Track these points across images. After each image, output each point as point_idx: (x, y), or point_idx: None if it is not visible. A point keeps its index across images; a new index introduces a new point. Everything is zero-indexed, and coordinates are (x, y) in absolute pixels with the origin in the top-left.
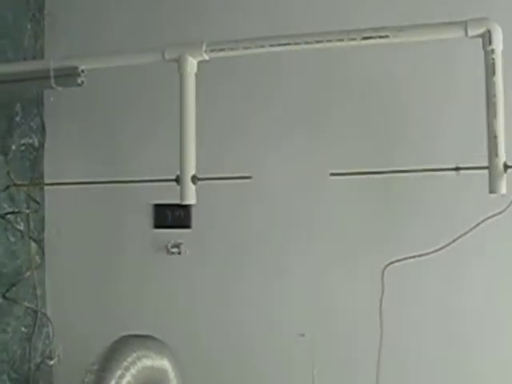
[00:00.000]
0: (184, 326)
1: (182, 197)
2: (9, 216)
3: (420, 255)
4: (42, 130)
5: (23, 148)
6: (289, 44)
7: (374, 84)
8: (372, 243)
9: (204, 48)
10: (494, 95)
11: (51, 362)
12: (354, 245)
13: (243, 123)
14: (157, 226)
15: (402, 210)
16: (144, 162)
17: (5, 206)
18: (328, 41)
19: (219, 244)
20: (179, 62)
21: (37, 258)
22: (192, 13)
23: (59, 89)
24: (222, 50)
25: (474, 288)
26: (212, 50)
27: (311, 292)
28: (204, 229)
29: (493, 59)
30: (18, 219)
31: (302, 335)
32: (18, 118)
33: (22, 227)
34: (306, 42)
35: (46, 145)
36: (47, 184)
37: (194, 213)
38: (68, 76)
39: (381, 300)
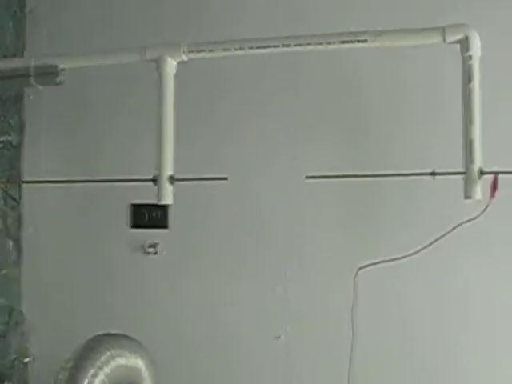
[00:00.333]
0: (160, 325)
1: (159, 197)
2: None
3: (394, 259)
4: (21, 127)
5: (1, 145)
6: (268, 47)
7: (352, 88)
8: (347, 246)
9: (183, 49)
10: (471, 101)
11: (26, 360)
12: (328, 247)
13: (221, 125)
14: (134, 226)
15: (378, 214)
16: (123, 162)
17: None
18: (307, 44)
19: (196, 244)
20: (158, 63)
21: (13, 255)
22: (174, 13)
23: (39, 87)
24: (201, 51)
25: (449, 291)
26: (191, 51)
27: (286, 294)
28: (181, 229)
29: (470, 65)
30: None
31: (278, 338)
32: None
33: None
34: (286, 45)
35: (24, 143)
36: (25, 182)
37: (171, 213)
38: (48, 74)
39: (353, 303)
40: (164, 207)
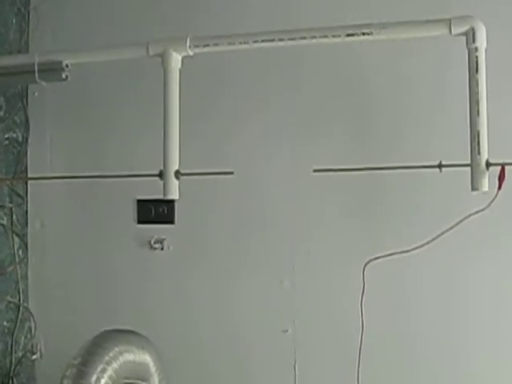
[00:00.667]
0: (167, 320)
1: (165, 192)
2: None
3: (402, 252)
4: (26, 124)
5: (7, 142)
6: (273, 40)
7: (357, 81)
8: (354, 240)
9: (188, 43)
10: (477, 93)
11: (33, 357)
12: (336, 241)
13: (226, 120)
14: (140, 222)
15: (385, 207)
16: (128, 157)
17: None
18: (312, 37)
19: (202, 240)
20: (163, 57)
21: (20, 252)
22: (178, 7)
23: (43, 83)
24: (206, 45)
25: (457, 284)
26: (196, 46)
27: (294, 288)
28: (187, 224)
29: (476, 57)
30: (1, 213)
31: (285, 331)
32: (1, 113)
33: (5, 221)
34: (291, 38)
35: (29, 139)
36: (30, 178)
37: (177, 208)
38: (52, 70)
39: (361, 296)
40: (170, 202)
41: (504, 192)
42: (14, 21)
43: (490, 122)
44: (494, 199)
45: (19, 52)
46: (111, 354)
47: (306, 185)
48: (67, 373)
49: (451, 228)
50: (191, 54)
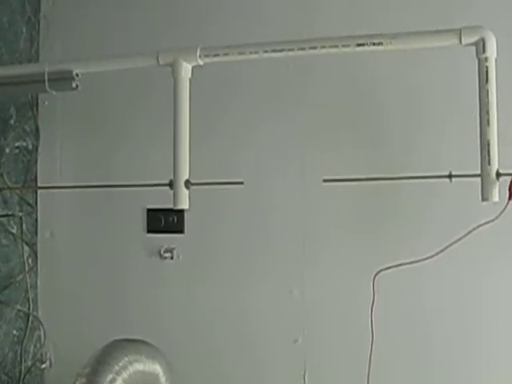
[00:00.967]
0: (177, 330)
1: (175, 201)
2: (1, 219)
3: (412, 262)
4: (36, 133)
5: (17, 151)
6: (283, 50)
7: (369, 90)
8: (364, 250)
9: (198, 53)
10: (487, 103)
11: (43, 366)
12: (346, 251)
13: (235, 129)
14: (150, 231)
15: (395, 217)
16: (138, 166)
17: None
18: (322, 47)
19: (212, 249)
20: (173, 67)
21: (29, 261)
22: (188, 17)
23: (54, 92)
24: (216, 55)
25: (467, 294)
26: (206, 55)
27: (304, 297)
28: (197, 234)
29: (486, 67)
30: (11, 222)
31: (295, 341)
32: (12, 121)
33: (14, 230)
34: (301, 48)
35: (39, 148)
36: (40, 187)
37: (187, 218)
38: (62, 80)
39: (371, 307)
40: (180, 212)
41: None
42: (24, 30)
43: (500, 132)
44: (504, 209)
45: (29, 61)
46: (121, 364)
47: (315, 195)
48: (77, 382)
49: (461, 238)
50: (201, 63)
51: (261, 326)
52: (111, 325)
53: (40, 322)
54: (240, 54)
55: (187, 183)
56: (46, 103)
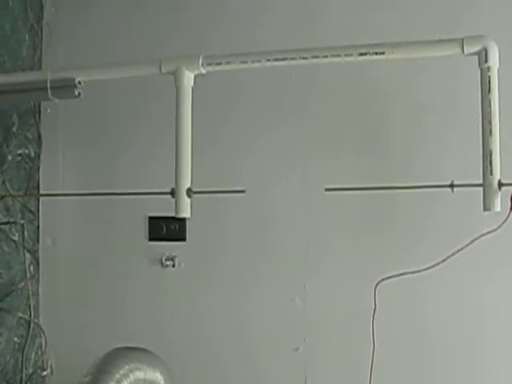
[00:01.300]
0: (178, 338)
1: (177, 210)
2: (3, 226)
3: (414, 272)
4: (39, 140)
5: (19, 158)
6: (285, 59)
7: (371, 99)
8: (366, 259)
9: (201, 61)
10: (490, 113)
11: (44, 373)
12: (347, 260)
13: (239, 138)
14: (151, 239)
15: (397, 227)
16: (140, 175)
17: (0, 216)
18: (324, 56)
19: (214, 257)
20: (176, 75)
21: (31, 268)
22: (191, 26)
23: (56, 100)
24: (218, 63)
25: (468, 304)
26: (209, 64)
27: (305, 306)
28: (199, 242)
29: (489, 77)
30: (13, 229)
31: (297, 350)
32: (14, 129)
33: (16, 237)
34: (303, 57)
35: (41, 155)
36: (42, 195)
37: (189, 226)
38: (65, 87)
39: (373, 316)
40: (182, 220)
41: None
42: (26, 37)
43: (503, 141)
44: (506, 220)
45: (32, 68)
46: (122, 372)
47: (317, 204)
48: None
49: (463, 248)
50: (204, 72)
51: (262, 335)
52: (112, 332)
53: (41, 329)
54: (242, 62)
55: (189, 192)
56: (49, 111)
